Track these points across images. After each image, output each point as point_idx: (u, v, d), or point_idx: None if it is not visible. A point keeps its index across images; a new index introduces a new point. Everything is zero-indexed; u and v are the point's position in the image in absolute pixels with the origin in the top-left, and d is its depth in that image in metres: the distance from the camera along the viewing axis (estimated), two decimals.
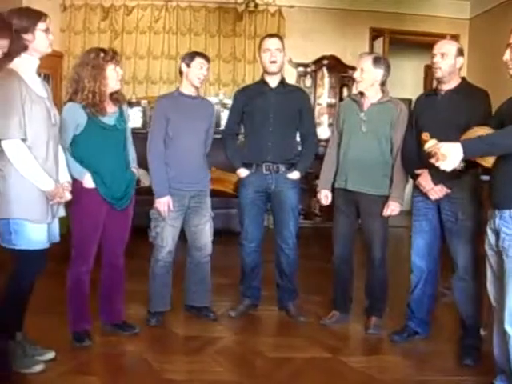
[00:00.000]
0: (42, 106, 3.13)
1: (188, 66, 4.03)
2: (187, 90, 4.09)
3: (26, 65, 3.10)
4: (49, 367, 3.33)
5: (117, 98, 3.70)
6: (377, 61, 3.95)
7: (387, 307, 4.17)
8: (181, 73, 4.11)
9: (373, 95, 3.99)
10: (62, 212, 3.40)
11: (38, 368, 3.24)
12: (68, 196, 3.32)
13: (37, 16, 3.13)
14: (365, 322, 4.15)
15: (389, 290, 4.14)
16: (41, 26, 3.12)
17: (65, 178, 3.38)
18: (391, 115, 3.93)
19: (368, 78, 3.93)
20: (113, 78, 3.59)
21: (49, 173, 3.14)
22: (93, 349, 3.66)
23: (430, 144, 2.83)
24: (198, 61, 4.02)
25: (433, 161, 2.79)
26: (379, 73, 3.94)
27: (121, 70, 3.64)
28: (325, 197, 4.17)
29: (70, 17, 8.11)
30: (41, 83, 3.29)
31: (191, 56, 4.06)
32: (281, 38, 4.25)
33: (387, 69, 3.97)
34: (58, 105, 7.92)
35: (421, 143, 3.03)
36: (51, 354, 3.44)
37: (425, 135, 2.95)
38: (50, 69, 7.70)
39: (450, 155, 2.71)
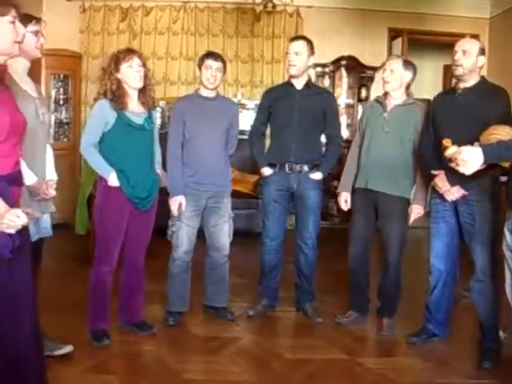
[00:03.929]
0: (31, 105, 3.13)
1: (200, 69, 4.06)
2: (205, 91, 4.10)
3: (14, 65, 3.08)
4: (67, 365, 3.37)
5: (145, 101, 3.72)
6: (406, 64, 4.01)
7: (400, 308, 4.15)
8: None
9: (398, 97, 4.01)
10: (51, 208, 3.40)
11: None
12: (52, 193, 3.26)
13: (28, 19, 3.13)
14: (377, 324, 4.15)
15: (402, 291, 4.13)
16: (30, 27, 3.13)
17: (51, 176, 3.39)
18: (415, 117, 3.94)
19: (397, 79, 3.96)
20: (129, 75, 3.62)
21: (35, 169, 3.11)
22: (111, 348, 3.70)
23: (452, 151, 2.82)
24: (207, 63, 4.02)
25: (453, 165, 2.78)
26: (408, 75, 3.99)
27: (138, 67, 3.64)
28: (344, 201, 4.18)
29: (89, 18, 8.16)
30: (32, 84, 3.32)
31: (201, 59, 4.07)
32: (306, 41, 4.24)
33: (415, 72, 4.03)
34: (78, 105, 8.03)
35: (442, 148, 3.02)
36: (69, 348, 3.48)
37: (446, 141, 2.93)
38: (69, 70, 7.78)
39: (470, 161, 2.70)
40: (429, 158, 3.72)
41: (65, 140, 7.62)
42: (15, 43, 2.38)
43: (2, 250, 2.35)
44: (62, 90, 7.82)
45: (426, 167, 3.78)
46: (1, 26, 2.33)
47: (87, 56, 8.09)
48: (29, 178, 3.01)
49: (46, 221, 3.37)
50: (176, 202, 4.00)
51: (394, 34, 8.46)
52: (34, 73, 7.09)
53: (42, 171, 3.26)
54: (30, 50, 3.17)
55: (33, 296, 2.60)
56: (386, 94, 4.07)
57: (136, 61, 3.63)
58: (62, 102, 7.82)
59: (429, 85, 9.50)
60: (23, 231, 2.38)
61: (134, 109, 3.68)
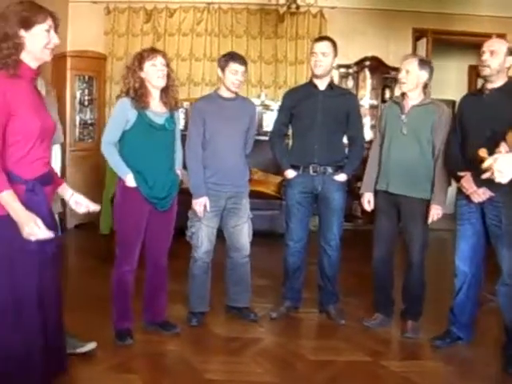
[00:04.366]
0: None
1: (223, 71, 4.03)
2: (225, 92, 4.09)
3: None
4: (91, 364, 3.40)
5: (167, 101, 3.73)
6: (422, 63, 3.96)
7: (424, 311, 4.11)
8: (219, 75, 4.13)
9: (415, 97, 3.97)
10: (58, 208, 3.43)
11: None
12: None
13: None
14: (401, 326, 4.12)
15: (426, 293, 4.10)
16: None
17: None
18: (432, 117, 3.91)
19: (413, 79, 3.92)
20: (152, 74, 3.63)
21: None
22: (134, 347, 3.72)
23: (489, 163, 2.78)
24: (232, 67, 3.99)
25: (488, 175, 2.74)
26: (424, 75, 3.94)
27: (162, 66, 3.65)
28: (367, 202, 4.16)
29: (113, 20, 8.22)
30: (42, 85, 3.34)
31: (225, 61, 4.03)
32: (331, 42, 4.20)
33: (431, 72, 3.98)
34: (103, 105, 8.11)
35: (478, 159, 2.98)
36: (92, 345, 3.51)
37: (482, 151, 2.89)
38: (93, 71, 7.85)
39: (505, 170, 2.66)
40: (455, 160, 3.70)
41: (89, 141, 7.68)
42: (46, 49, 2.44)
43: (46, 249, 2.41)
44: (86, 91, 7.89)
45: (452, 169, 3.75)
46: (38, 32, 2.40)
47: (112, 57, 8.16)
48: None
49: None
50: (200, 204, 4.01)
51: (418, 35, 8.39)
52: (59, 74, 7.22)
53: None
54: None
55: (59, 295, 2.64)
56: (403, 94, 4.04)
57: (160, 60, 3.65)
58: (86, 103, 7.89)
59: (453, 85, 9.43)
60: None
61: (156, 108, 3.69)
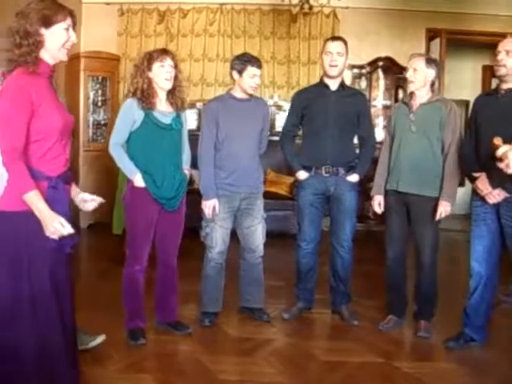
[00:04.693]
0: None
1: (240, 74, 4.01)
2: (239, 94, 4.09)
3: None
4: (103, 363, 3.42)
5: (173, 101, 3.74)
6: (429, 61, 3.97)
7: (437, 312, 4.09)
8: (232, 77, 4.11)
9: (423, 95, 3.97)
10: None
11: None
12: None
13: None
14: (414, 327, 4.10)
15: (439, 294, 4.08)
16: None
17: None
18: (440, 114, 3.90)
19: (421, 77, 3.92)
20: (159, 74, 3.64)
21: None
22: (147, 347, 3.73)
23: (503, 150, 2.75)
24: (251, 71, 3.98)
25: (502, 166, 2.72)
26: (431, 73, 3.93)
27: (170, 68, 3.66)
28: (378, 204, 4.14)
29: (126, 21, 8.26)
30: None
31: (242, 64, 4.00)
32: (344, 42, 4.18)
33: (438, 69, 4.00)
34: (116, 106, 8.15)
35: (492, 147, 2.96)
36: (101, 337, 3.55)
37: (496, 139, 2.87)
38: (107, 72, 7.89)
39: None
40: (470, 160, 3.68)
41: (102, 141, 7.71)
42: (64, 48, 2.47)
43: (65, 246, 2.44)
44: (100, 91, 7.93)
45: (467, 169, 3.73)
46: (57, 31, 2.43)
47: (125, 58, 8.19)
48: None
49: None
50: (210, 206, 4.01)
51: (431, 35, 8.35)
52: (72, 75, 7.26)
53: None
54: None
55: (72, 294, 2.66)
56: (411, 94, 4.04)
57: (168, 61, 3.65)
58: (99, 104, 7.94)
59: (468, 85, 9.38)
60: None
61: (162, 108, 3.70)
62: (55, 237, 2.37)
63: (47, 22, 2.40)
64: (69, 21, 2.46)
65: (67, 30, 2.46)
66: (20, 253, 2.38)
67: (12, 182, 2.37)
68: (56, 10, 2.43)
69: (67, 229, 2.38)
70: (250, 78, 3.99)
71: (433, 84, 4.00)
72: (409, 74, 3.96)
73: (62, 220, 2.37)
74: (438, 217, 3.87)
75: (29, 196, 2.34)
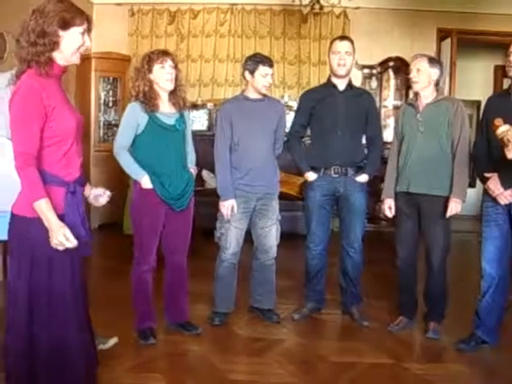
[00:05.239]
0: None
1: (252, 74, 4.02)
2: (253, 94, 4.09)
3: None
4: (114, 363, 3.42)
5: (176, 102, 3.75)
6: (432, 61, 3.98)
7: (448, 313, 4.07)
8: (244, 78, 4.12)
9: (428, 95, 3.96)
10: None
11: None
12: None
13: None
14: (424, 329, 4.08)
15: (450, 296, 4.06)
16: None
17: None
18: (448, 113, 3.88)
19: (425, 77, 3.91)
20: (160, 76, 3.65)
21: None
22: (157, 347, 3.74)
23: (503, 129, 2.74)
24: (263, 70, 3.99)
25: (507, 152, 2.70)
26: (435, 72, 3.93)
27: (170, 69, 3.66)
28: (389, 208, 4.12)
29: (137, 21, 8.29)
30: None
31: (254, 64, 4.01)
32: (351, 41, 4.19)
33: (442, 68, 4.00)
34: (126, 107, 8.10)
35: (493, 127, 2.95)
36: (114, 340, 3.57)
37: (497, 121, 2.86)
38: (117, 72, 7.92)
39: None
40: (482, 161, 3.67)
41: (113, 141, 7.75)
42: (78, 52, 2.46)
43: (82, 251, 2.45)
44: (110, 92, 7.97)
45: (478, 170, 3.72)
46: (74, 34, 2.42)
47: (136, 59, 8.17)
48: None
49: None
50: (228, 208, 4.01)
51: (443, 35, 8.32)
52: (83, 75, 7.30)
53: None
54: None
55: (86, 295, 2.68)
56: (416, 95, 4.03)
57: (168, 62, 3.66)
58: (110, 104, 7.97)
59: (479, 86, 9.34)
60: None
61: (165, 110, 3.71)
62: (61, 248, 2.34)
63: (66, 25, 2.38)
64: (85, 25, 2.45)
65: (83, 34, 2.44)
66: (39, 254, 2.38)
67: (23, 187, 2.34)
68: (75, 13, 2.41)
69: (71, 241, 2.34)
70: (263, 77, 3.99)
71: (437, 83, 3.99)
72: (412, 75, 3.96)
73: (68, 232, 2.33)
74: (448, 214, 3.85)
75: (39, 204, 2.30)
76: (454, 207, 3.82)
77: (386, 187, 4.16)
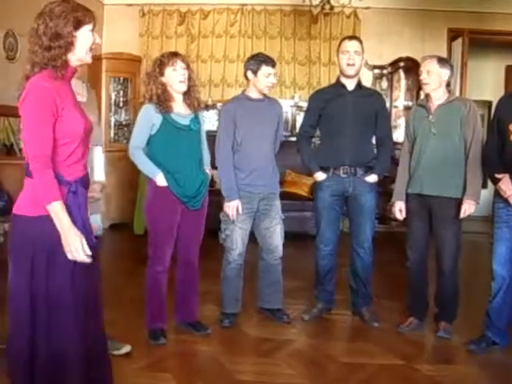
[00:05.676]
0: None
1: (254, 74, 4.02)
2: (254, 94, 4.09)
3: None
4: (125, 362, 3.43)
5: (190, 103, 3.76)
6: (442, 61, 3.95)
7: (459, 314, 4.05)
8: (246, 78, 4.12)
9: (439, 96, 3.93)
10: (100, 208, 3.47)
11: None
12: (97, 195, 3.28)
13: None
14: (435, 330, 4.07)
15: (460, 297, 4.03)
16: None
17: (98, 178, 3.44)
18: (460, 113, 3.86)
19: (435, 79, 3.89)
20: (173, 78, 3.67)
21: None
22: (167, 347, 3.75)
23: None
24: (265, 70, 3.99)
25: None
26: (446, 73, 3.90)
27: (182, 70, 3.68)
28: (399, 211, 4.09)
29: (148, 22, 8.32)
30: (80, 87, 3.34)
31: (257, 64, 4.01)
32: (360, 41, 4.19)
33: (452, 69, 3.97)
34: (137, 107, 8.20)
35: (508, 133, 2.94)
36: (127, 348, 3.56)
37: None
38: (128, 73, 7.95)
39: None
40: (493, 162, 3.64)
41: (124, 141, 7.77)
42: (89, 51, 2.45)
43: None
44: (121, 92, 8.00)
45: (490, 171, 3.69)
46: (85, 32, 2.40)
47: (146, 59, 8.23)
48: None
49: (97, 220, 3.43)
50: (233, 209, 4.02)
51: (454, 35, 8.28)
52: (94, 76, 7.33)
53: None
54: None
55: (99, 297, 2.66)
56: (427, 96, 4.00)
57: (180, 64, 3.68)
58: (121, 105, 8.00)
59: (490, 86, 9.30)
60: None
61: (180, 110, 3.73)
62: (70, 257, 2.30)
63: (78, 24, 2.36)
64: (93, 22, 2.45)
65: (92, 31, 2.44)
66: (40, 256, 2.35)
67: (37, 189, 2.31)
68: (84, 11, 2.39)
69: (86, 251, 2.30)
70: (265, 78, 4.00)
71: (448, 84, 3.97)
72: (423, 77, 3.94)
73: (84, 242, 2.30)
74: (462, 215, 3.82)
75: (53, 206, 2.27)
76: (468, 208, 3.79)
77: (396, 189, 4.14)
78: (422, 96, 7.78)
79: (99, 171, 3.47)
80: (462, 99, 3.96)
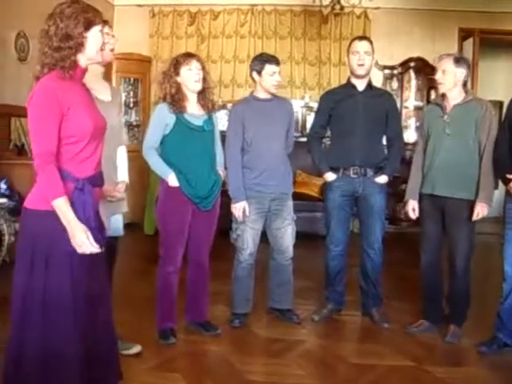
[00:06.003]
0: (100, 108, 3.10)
1: (259, 74, 4.03)
2: (262, 94, 4.10)
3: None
4: (135, 362, 3.44)
5: (204, 104, 3.77)
6: (458, 60, 3.86)
7: (470, 315, 4.01)
8: (253, 79, 4.13)
9: (456, 96, 3.88)
10: (124, 208, 3.48)
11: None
12: (119, 195, 3.32)
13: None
14: (444, 330, 4.03)
15: (473, 298, 4.00)
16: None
17: (122, 178, 3.45)
18: (476, 115, 3.81)
19: (450, 78, 3.83)
20: (188, 78, 3.68)
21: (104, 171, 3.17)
22: (177, 347, 3.75)
23: None
24: (269, 68, 4.00)
25: None
26: (462, 72, 3.83)
27: (198, 70, 3.69)
28: (412, 210, 4.06)
29: (158, 23, 8.35)
30: (106, 88, 3.36)
31: (261, 63, 4.02)
32: (370, 41, 4.19)
33: (468, 68, 3.89)
34: (148, 107, 8.24)
35: None
36: (137, 348, 3.57)
37: None
38: (139, 73, 7.98)
39: None
40: (504, 162, 3.61)
41: (134, 142, 7.79)
42: (100, 51, 2.47)
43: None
44: (131, 93, 8.02)
45: (500, 171, 3.67)
46: (95, 33, 2.42)
47: (156, 60, 8.27)
48: None
49: (118, 221, 3.45)
50: (239, 210, 4.02)
51: (464, 35, 8.25)
52: (105, 76, 7.34)
53: (108, 173, 3.32)
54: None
55: (108, 295, 2.65)
56: (443, 95, 3.94)
57: (195, 64, 3.69)
58: (131, 105, 8.02)
59: (502, 86, 9.26)
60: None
61: (193, 111, 3.74)
62: (79, 250, 2.32)
63: (88, 25, 2.38)
64: (102, 23, 2.47)
65: (101, 32, 2.46)
66: (40, 252, 2.35)
67: (42, 185, 2.33)
68: (94, 12, 2.41)
69: (92, 244, 2.33)
70: (270, 76, 4.00)
71: (465, 84, 3.90)
72: (438, 76, 3.89)
73: (90, 235, 2.33)
74: (474, 218, 3.78)
75: (57, 202, 2.29)
76: (481, 211, 3.75)
77: (409, 188, 4.11)
78: (433, 96, 7.86)
79: (123, 171, 3.48)
80: (479, 100, 3.89)
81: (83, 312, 2.44)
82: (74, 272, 2.39)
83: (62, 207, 2.30)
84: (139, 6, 8.21)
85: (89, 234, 2.33)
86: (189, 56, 3.76)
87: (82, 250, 2.33)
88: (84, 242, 2.32)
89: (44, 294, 2.36)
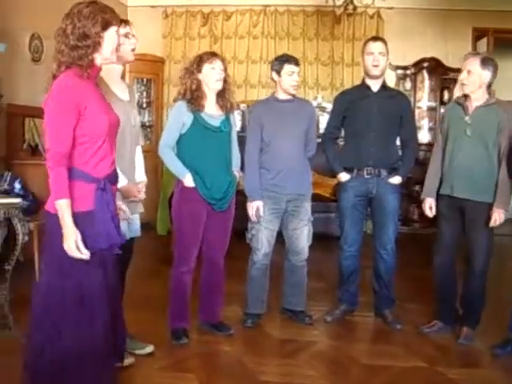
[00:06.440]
0: (120, 108, 3.01)
1: (278, 74, 4.04)
2: (282, 95, 4.10)
3: (107, 69, 3.04)
4: (147, 362, 3.46)
5: (223, 104, 3.78)
6: (485, 62, 3.76)
7: (484, 317, 3.99)
8: (273, 79, 4.13)
9: (479, 98, 3.81)
10: (141, 208, 3.50)
11: (128, 361, 3.30)
12: (141, 195, 3.38)
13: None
14: (457, 331, 4.01)
15: (486, 301, 3.96)
16: (121, 30, 3.17)
17: (140, 178, 3.47)
18: (498, 118, 3.75)
19: (475, 80, 3.75)
20: (210, 76, 3.69)
21: (124, 171, 3.17)
22: (190, 347, 3.76)
23: None
24: (288, 68, 4.01)
25: None
26: (487, 75, 3.75)
27: (220, 70, 3.71)
28: (429, 208, 4.02)
29: (171, 23, 8.37)
30: (125, 87, 3.39)
31: (280, 64, 4.04)
32: (385, 42, 4.18)
33: (495, 70, 3.78)
34: (161, 107, 8.27)
35: None
36: (150, 348, 3.58)
37: None
38: (151, 74, 8.01)
39: None
40: None
41: (147, 142, 7.82)
42: (115, 52, 2.49)
43: (114, 247, 2.45)
44: (145, 93, 8.05)
45: None
46: (112, 33, 2.44)
47: (169, 60, 8.30)
48: (120, 180, 3.09)
49: (136, 221, 3.47)
50: (254, 208, 4.02)
51: (478, 34, 8.20)
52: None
53: (130, 173, 3.34)
54: (123, 54, 3.17)
55: (120, 295, 2.68)
56: (465, 95, 3.87)
57: (218, 63, 3.71)
58: (144, 106, 8.05)
59: None
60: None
61: (211, 111, 3.74)
62: (69, 253, 2.34)
63: (106, 25, 2.41)
64: (118, 24, 2.49)
65: (118, 33, 2.48)
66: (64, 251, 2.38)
67: (50, 184, 2.35)
68: (111, 13, 2.44)
69: (82, 251, 2.34)
70: (289, 76, 4.00)
71: (489, 86, 3.81)
72: (462, 76, 3.79)
73: (79, 241, 2.34)
74: (492, 224, 3.74)
75: (60, 203, 2.32)
76: (498, 218, 3.71)
77: (426, 186, 4.06)
78: (446, 96, 7.81)
79: (140, 171, 3.50)
80: (503, 103, 3.81)
81: (109, 308, 2.50)
82: (104, 267, 2.45)
83: (64, 209, 2.33)
84: (152, 6, 8.24)
85: (79, 240, 2.34)
86: (213, 55, 3.77)
87: (71, 255, 2.35)
88: (71, 248, 2.33)
89: (79, 292, 2.40)
